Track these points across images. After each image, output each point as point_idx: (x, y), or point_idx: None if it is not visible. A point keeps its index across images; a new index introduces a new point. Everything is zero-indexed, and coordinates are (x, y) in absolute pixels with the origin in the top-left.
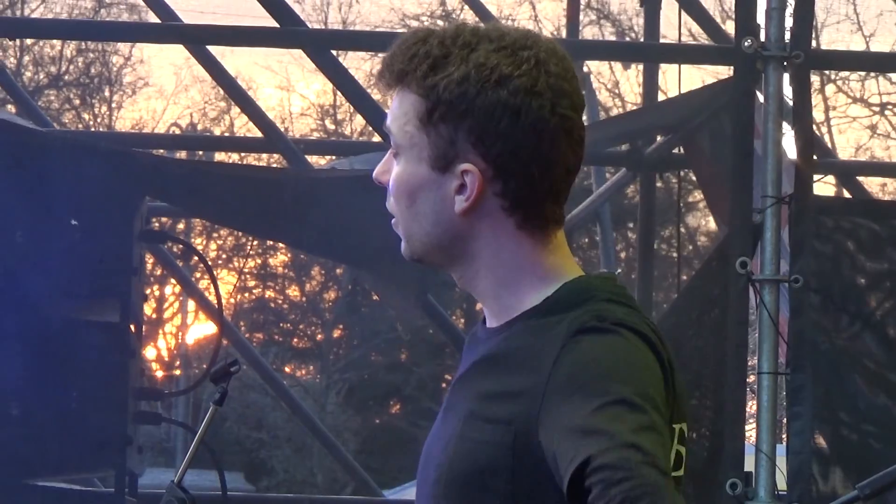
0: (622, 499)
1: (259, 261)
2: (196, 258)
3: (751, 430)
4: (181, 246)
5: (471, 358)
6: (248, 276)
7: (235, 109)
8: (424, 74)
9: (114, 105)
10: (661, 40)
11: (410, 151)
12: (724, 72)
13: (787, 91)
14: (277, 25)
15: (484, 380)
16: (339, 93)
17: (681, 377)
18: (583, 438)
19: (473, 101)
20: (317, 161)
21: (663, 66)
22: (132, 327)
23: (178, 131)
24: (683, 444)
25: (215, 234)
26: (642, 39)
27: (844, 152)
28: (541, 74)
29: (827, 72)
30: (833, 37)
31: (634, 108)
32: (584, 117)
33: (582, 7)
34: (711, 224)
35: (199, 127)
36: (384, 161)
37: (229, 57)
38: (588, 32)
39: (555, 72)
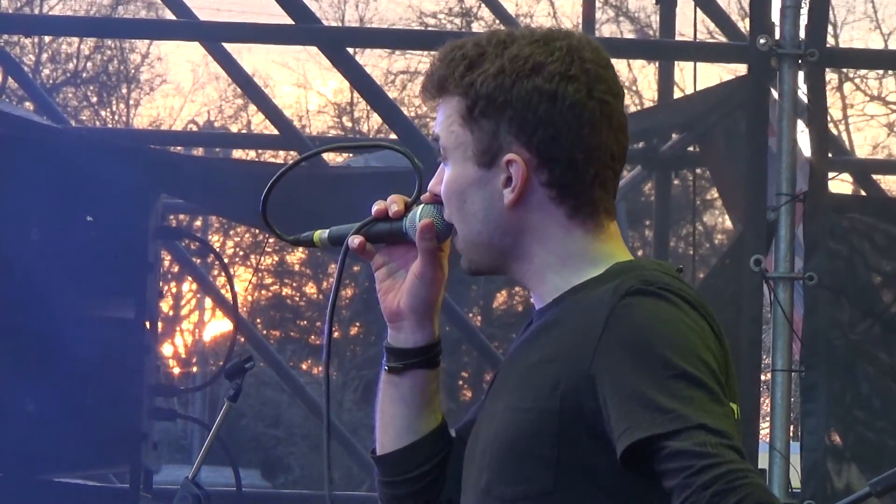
0: (716, 491)
1: (276, 258)
2: (212, 255)
3: (765, 428)
4: (197, 243)
5: (519, 339)
6: (264, 273)
7: (252, 107)
8: (462, 74)
9: (131, 102)
10: (678, 38)
11: (456, 152)
12: (741, 69)
13: (802, 89)
14: (293, 23)
15: (531, 351)
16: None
17: (731, 355)
18: (644, 411)
19: (510, 91)
20: (333, 159)
21: (680, 64)
22: (147, 324)
23: (195, 128)
24: (737, 425)
25: (232, 231)
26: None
27: (862, 150)
28: (574, 60)
29: (844, 69)
30: (851, 35)
31: (651, 105)
32: None
33: (599, 5)
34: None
35: (216, 124)
36: (438, 173)
37: (246, 54)
38: (605, 30)
39: (589, 58)
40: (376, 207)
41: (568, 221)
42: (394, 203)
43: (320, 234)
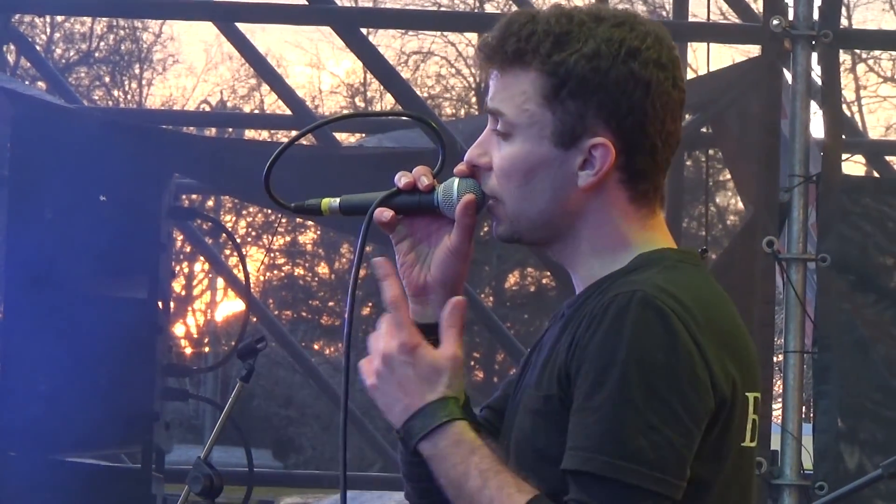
0: None
1: (288, 238)
2: (224, 235)
3: (777, 410)
4: (210, 223)
5: (550, 328)
6: (277, 253)
7: (265, 87)
8: (549, 52)
9: (144, 82)
10: (691, 19)
11: (529, 130)
12: (755, 50)
13: (816, 70)
14: (306, 3)
15: (550, 347)
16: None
17: (753, 345)
18: (580, 437)
19: (606, 74)
20: (346, 139)
21: (693, 45)
22: (160, 304)
23: (207, 109)
24: (757, 413)
25: (244, 212)
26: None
27: (875, 132)
28: (663, 48)
29: (858, 51)
30: (864, 16)
31: None
32: None
33: None
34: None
35: (229, 104)
36: (480, 143)
37: (259, 34)
38: None
39: (671, 46)
40: (405, 180)
41: (629, 206)
42: (423, 176)
43: (329, 202)
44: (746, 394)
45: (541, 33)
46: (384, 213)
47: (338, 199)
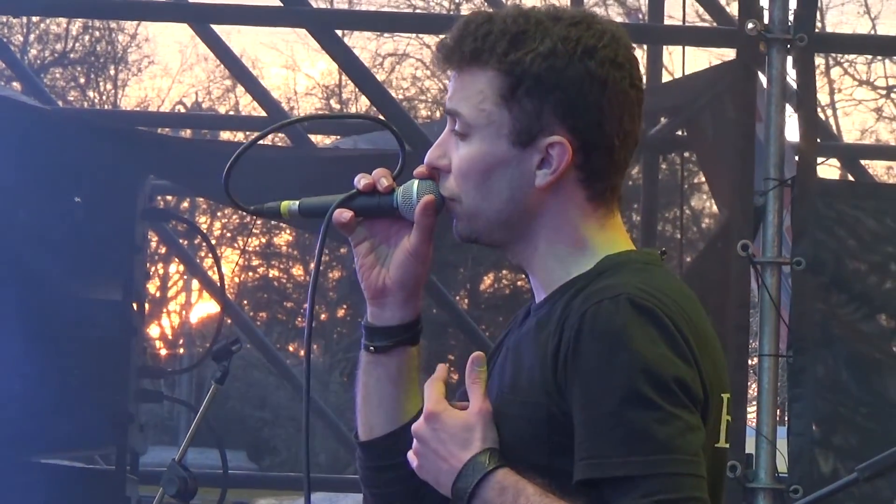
0: None
1: (263, 240)
2: (199, 237)
3: (751, 412)
4: (185, 224)
5: (517, 331)
6: (252, 254)
7: (240, 88)
8: (505, 51)
9: (119, 83)
10: (667, 21)
11: (487, 129)
12: (730, 53)
13: (791, 73)
14: (281, 4)
15: (525, 352)
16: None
17: (720, 347)
18: (600, 443)
19: (562, 73)
20: (321, 140)
21: (669, 47)
22: (135, 305)
23: (182, 110)
24: (730, 414)
25: (219, 213)
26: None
27: (850, 135)
28: (620, 47)
29: (833, 54)
30: (838, 19)
31: None
32: None
33: None
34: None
35: (204, 105)
36: (439, 145)
37: (235, 36)
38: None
39: (627, 45)
40: (364, 182)
41: (587, 205)
42: (383, 178)
43: (289, 204)
44: (721, 395)
45: (497, 33)
46: (343, 215)
47: (297, 202)
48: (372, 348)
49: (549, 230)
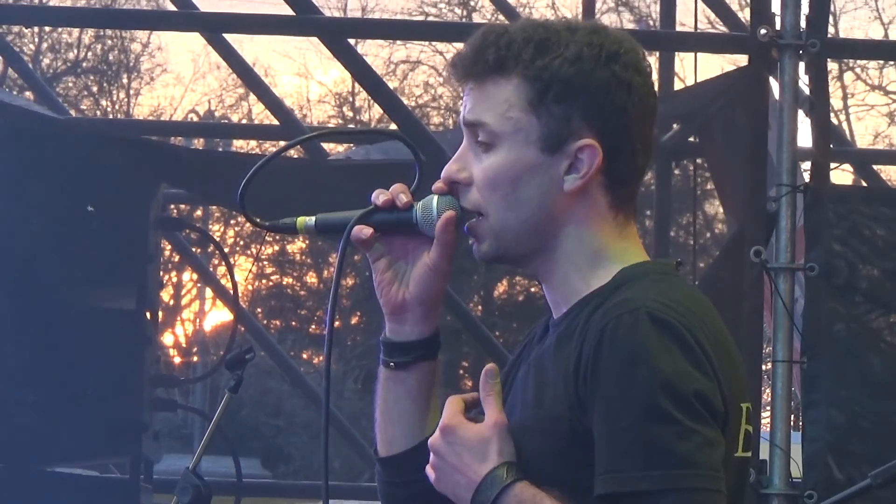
0: None
1: (277, 248)
2: (212, 245)
3: (765, 418)
4: (198, 233)
5: (538, 346)
6: (265, 262)
7: (253, 96)
8: (532, 57)
9: (132, 92)
10: (679, 28)
11: (514, 137)
12: (742, 59)
13: (803, 79)
14: (293, 13)
15: (546, 367)
16: None
17: (739, 356)
18: (622, 458)
19: (590, 76)
20: (333, 149)
21: (681, 54)
22: (148, 314)
23: (195, 118)
24: (750, 423)
25: (233, 221)
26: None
27: (863, 140)
28: (638, 54)
29: (845, 59)
30: (851, 24)
31: None
32: None
33: None
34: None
35: (217, 114)
36: (457, 159)
37: (248, 44)
38: (605, 20)
39: (643, 53)
40: (383, 198)
41: (608, 212)
42: (401, 193)
43: (305, 220)
44: (741, 404)
45: (521, 41)
46: (363, 232)
47: (313, 218)
48: (391, 364)
49: (572, 239)
